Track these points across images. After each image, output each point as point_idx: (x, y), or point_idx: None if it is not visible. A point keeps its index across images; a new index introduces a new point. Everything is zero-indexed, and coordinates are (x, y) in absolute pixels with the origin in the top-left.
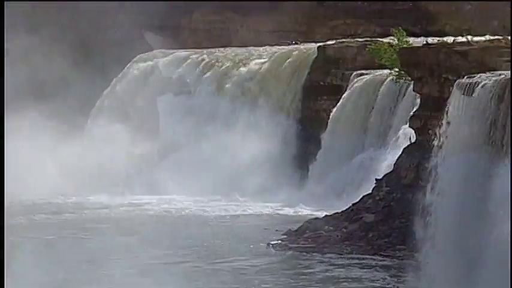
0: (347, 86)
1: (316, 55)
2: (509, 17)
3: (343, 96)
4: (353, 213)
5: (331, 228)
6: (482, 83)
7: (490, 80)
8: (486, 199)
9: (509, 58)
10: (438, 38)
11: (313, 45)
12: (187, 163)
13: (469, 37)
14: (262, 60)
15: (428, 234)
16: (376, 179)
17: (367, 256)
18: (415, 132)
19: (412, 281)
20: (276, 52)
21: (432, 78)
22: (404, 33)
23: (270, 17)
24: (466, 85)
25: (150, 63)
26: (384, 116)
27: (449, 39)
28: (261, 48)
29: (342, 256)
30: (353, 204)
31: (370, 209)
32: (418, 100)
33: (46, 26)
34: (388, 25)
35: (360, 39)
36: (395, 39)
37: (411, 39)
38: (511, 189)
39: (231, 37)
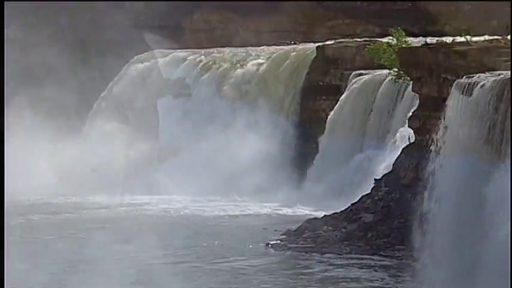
0: (346, 86)
1: (315, 55)
2: (509, 17)
3: (341, 98)
4: (352, 213)
5: (330, 228)
6: (481, 83)
7: (489, 80)
8: (485, 201)
9: (508, 58)
10: (437, 38)
11: (312, 45)
12: (187, 163)
13: (468, 37)
14: (260, 61)
15: (427, 242)
16: (375, 179)
17: (366, 256)
18: (414, 132)
19: (411, 281)
20: (274, 52)
21: (431, 78)
22: (404, 33)
23: (269, 17)
24: (465, 85)
25: (147, 64)
26: (383, 117)
27: (449, 39)
28: (259, 49)
29: (341, 256)
30: (352, 204)
31: (369, 209)
32: (417, 100)
33: (45, 26)
34: (387, 25)
35: (358, 39)
36: (395, 39)
37: (410, 39)
38: (511, 190)
39: (231, 37)
